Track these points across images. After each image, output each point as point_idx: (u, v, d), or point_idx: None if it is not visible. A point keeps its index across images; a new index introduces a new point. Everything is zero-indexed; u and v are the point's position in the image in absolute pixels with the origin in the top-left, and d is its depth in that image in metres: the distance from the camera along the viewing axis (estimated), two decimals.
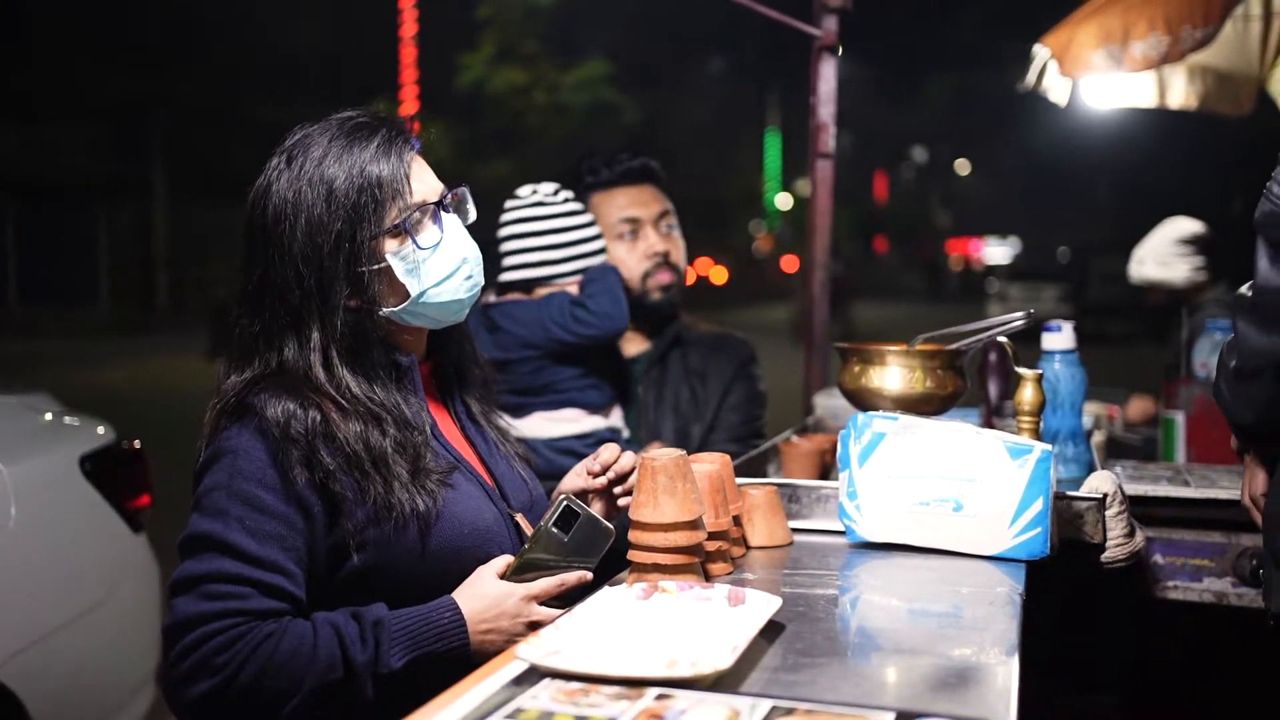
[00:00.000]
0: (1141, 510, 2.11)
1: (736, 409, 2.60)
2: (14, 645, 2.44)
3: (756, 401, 2.64)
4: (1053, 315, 2.33)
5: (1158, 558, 2.22)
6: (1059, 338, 2.39)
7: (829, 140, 2.91)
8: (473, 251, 1.67)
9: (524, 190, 2.47)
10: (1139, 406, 4.07)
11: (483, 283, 1.71)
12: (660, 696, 1.13)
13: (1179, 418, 3.28)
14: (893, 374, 2.01)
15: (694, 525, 1.55)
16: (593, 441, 2.35)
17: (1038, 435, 1.94)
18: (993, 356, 2.66)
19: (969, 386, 2.06)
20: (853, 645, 1.43)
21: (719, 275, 35.11)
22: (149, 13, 21.26)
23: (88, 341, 19.95)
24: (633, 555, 1.57)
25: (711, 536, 1.65)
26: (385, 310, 1.61)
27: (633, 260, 2.53)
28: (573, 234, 2.41)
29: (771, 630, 1.39)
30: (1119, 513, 1.80)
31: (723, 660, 1.19)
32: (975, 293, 38.47)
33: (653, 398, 2.56)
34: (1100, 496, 1.81)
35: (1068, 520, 1.82)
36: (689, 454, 1.66)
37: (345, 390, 1.56)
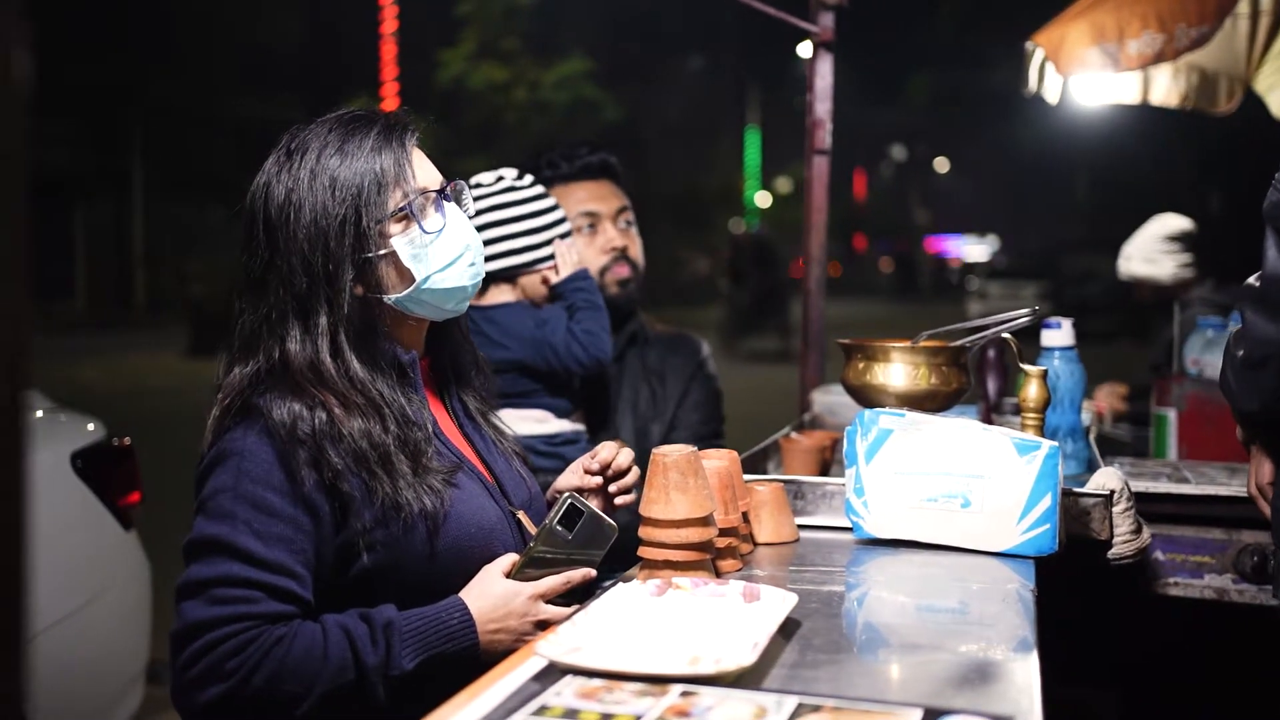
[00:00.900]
0: (1141, 507, 2.11)
1: (697, 408, 2.59)
2: None
3: (715, 399, 2.64)
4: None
5: (1158, 554, 2.23)
6: (1059, 334, 2.40)
7: (825, 136, 2.91)
8: (475, 239, 1.67)
9: (486, 177, 2.40)
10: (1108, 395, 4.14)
11: (484, 272, 1.70)
12: (684, 693, 1.13)
13: (1171, 415, 3.30)
14: (897, 370, 2.01)
15: (706, 522, 1.55)
16: (559, 442, 2.34)
17: (1042, 431, 1.94)
18: (991, 353, 2.66)
19: (972, 383, 2.06)
20: (869, 641, 1.42)
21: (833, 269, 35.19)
22: (127, 8, 21.09)
23: (64, 338, 19.79)
24: (644, 552, 1.57)
25: (721, 533, 1.65)
26: (390, 297, 1.60)
27: (590, 255, 2.50)
28: (548, 216, 2.37)
29: (787, 627, 1.38)
30: (1126, 509, 1.80)
31: (745, 657, 1.18)
32: (947, 290, 38.61)
33: (612, 396, 2.54)
34: (1107, 493, 1.81)
35: (1074, 517, 1.82)
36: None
37: (351, 378, 1.54)
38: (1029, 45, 3.94)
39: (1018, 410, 2.71)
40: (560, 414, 2.37)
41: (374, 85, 19.13)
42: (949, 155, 47.35)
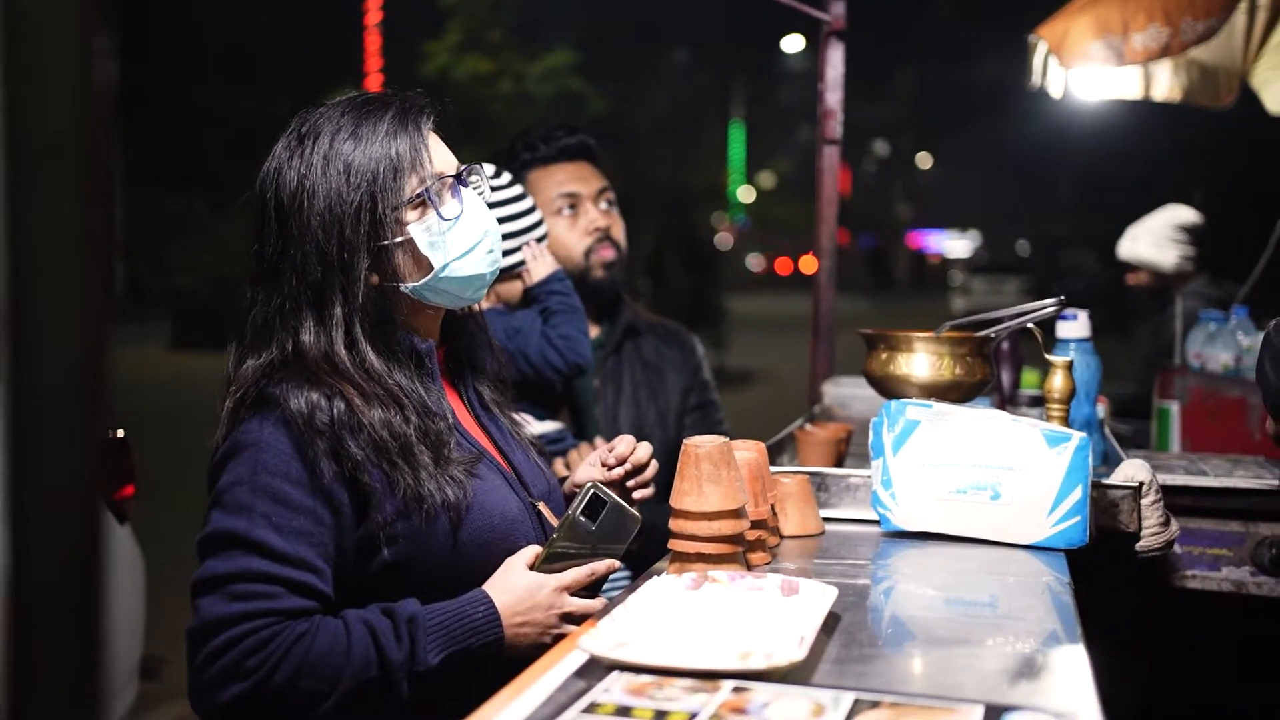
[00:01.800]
0: None
1: (704, 414, 2.54)
2: None
3: (717, 405, 2.60)
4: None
5: (1176, 547, 2.22)
6: (1075, 326, 2.39)
7: (836, 126, 2.88)
8: (493, 225, 1.63)
9: None
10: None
11: (501, 260, 1.67)
12: (737, 689, 1.10)
13: (1174, 408, 3.29)
14: (920, 361, 1.99)
15: (738, 514, 1.52)
16: (544, 443, 2.28)
17: (1067, 423, 1.92)
18: (1005, 344, 2.65)
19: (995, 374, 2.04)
20: (909, 636, 1.40)
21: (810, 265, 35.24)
22: None
23: None
24: (675, 544, 1.54)
25: (751, 525, 1.62)
26: (407, 286, 1.56)
27: (573, 237, 2.44)
28: (525, 220, 2.30)
29: (827, 621, 1.35)
30: (1155, 501, 1.79)
31: (796, 652, 1.16)
32: (924, 286, 38.65)
33: (611, 391, 2.48)
34: (1136, 485, 1.79)
35: (1102, 509, 1.81)
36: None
37: (368, 370, 1.50)
38: (1032, 38, 3.94)
39: (1033, 402, 2.70)
40: (544, 415, 2.32)
41: (358, 77, 19.03)
42: (933, 150, 47.46)
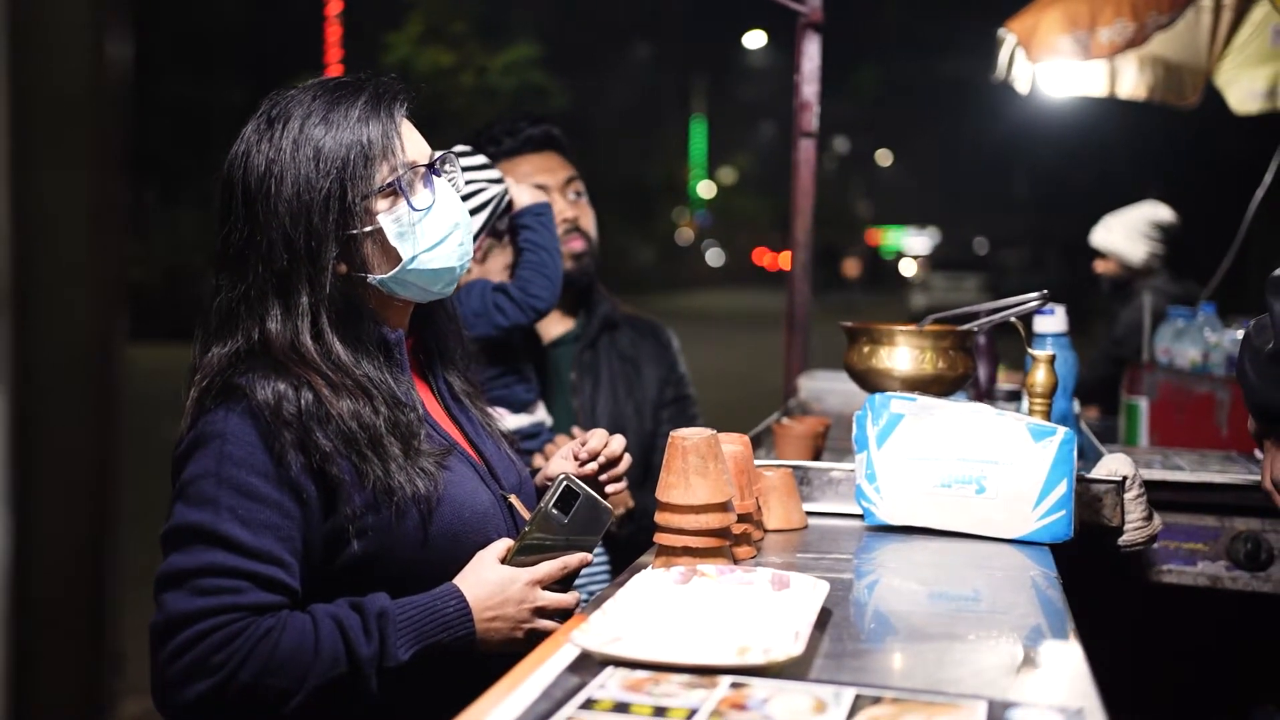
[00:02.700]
0: None
1: (680, 408, 2.52)
2: None
3: (693, 399, 2.58)
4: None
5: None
6: (1052, 321, 2.39)
7: (813, 119, 2.87)
8: (464, 217, 1.59)
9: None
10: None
11: (471, 253, 1.63)
12: (735, 685, 1.08)
13: (1142, 403, 3.32)
14: (902, 354, 1.98)
15: (725, 507, 1.50)
16: (520, 438, 2.23)
17: (1049, 417, 1.92)
18: (982, 339, 2.64)
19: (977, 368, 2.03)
20: (898, 631, 1.39)
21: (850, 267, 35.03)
22: None
23: None
24: (660, 538, 1.52)
25: (738, 519, 1.60)
26: (375, 277, 1.52)
27: None
28: (493, 190, 2.23)
29: (819, 615, 1.34)
30: (1138, 495, 1.78)
31: (793, 647, 1.14)
32: (881, 283, 38.82)
33: (589, 383, 2.45)
34: (1120, 479, 1.79)
35: (1086, 504, 1.80)
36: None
37: (334, 360, 1.46)
38: (1002, 32, 3.94)
39: (1010, 397, 2.70)
40: (519, 407, 2.29)
41: (318, 68, 18.84)
42: (892, 148, 47.75)
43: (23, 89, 0.50)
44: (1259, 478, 1.87)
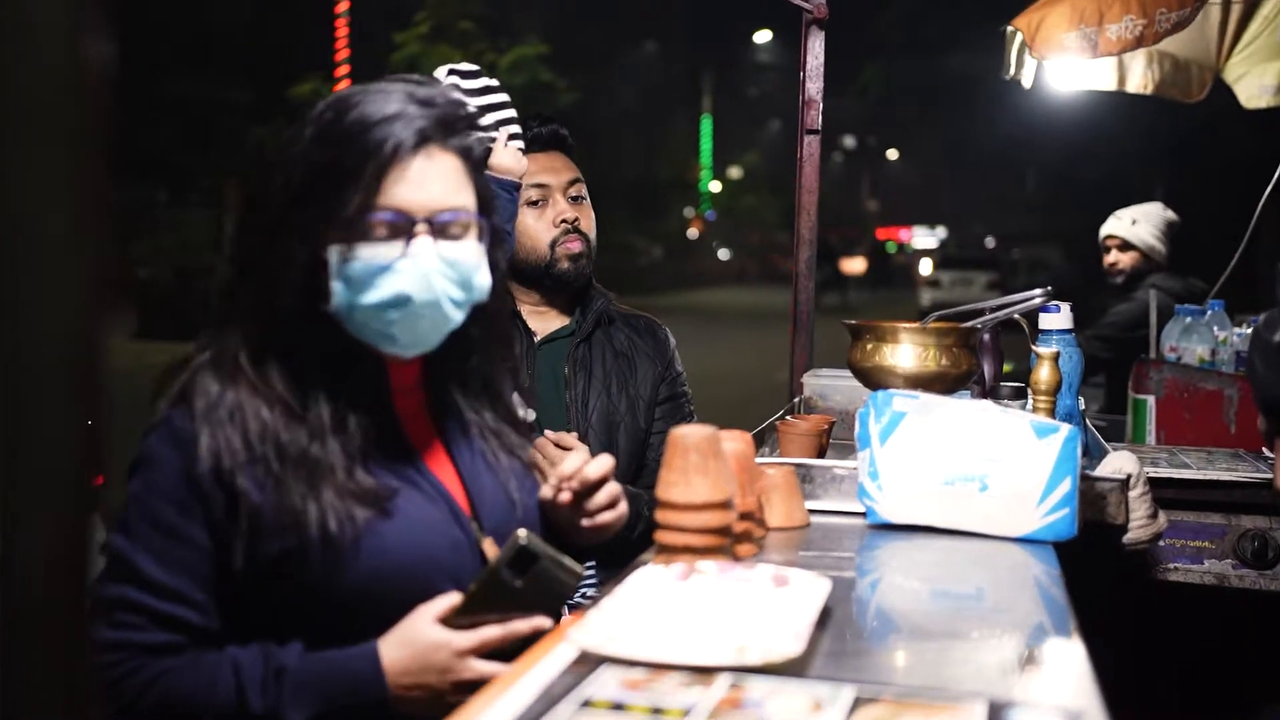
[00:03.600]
0: None
1: (675, 407, 2.51)
2: None
3: (688, 398, 2.56)
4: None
5: (1159, 540, 2.21)
6: (1057, 318, 2.37)
7: (817, 116, 2.86)
8: (424, 295, 1.36)
9: (439, 72, 2.17)
10: None
11: (435, 340, 1.43)
12: (734, 684, 1.07)
13: (1150, 400, 3.30)
14: (905, 351, 1.97)
15: (726, 505, 1.49)
16: None
17: (1053, 414, 1.91)
18: (986, 336, 2.63)
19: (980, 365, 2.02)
20: (900, 629, 1.38)
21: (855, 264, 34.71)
22: None
23: None
24: (660, 536, 1.50)
25: (739, 518, 1.59)
26: (333, 308, 1.37)
27: (541, 227, 2.39)
28: (500, 113, 2.20)
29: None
30: (1143, 493, 1.77)
31: (792, 646, 1.13)
32: (888, 281, 38.64)
33: (581, 378, 2.44)
34: (1124, 477, 1.78)
35: (1090, 501, 1.79)
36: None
37: (277, 385, 1.38)
38: (1008, 29, 3.92)
39: (1015, 395, 2.69)
40: None
41: (328, 67, 18.85)
42: (900, 146, 47.67)
43: (4, 89, 0.50)
44: (1267, 475, 1.85)
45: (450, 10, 18.67)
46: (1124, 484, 1.78)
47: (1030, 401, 1.95)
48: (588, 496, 1.50)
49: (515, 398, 1.60)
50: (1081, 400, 2.56)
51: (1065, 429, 1.70)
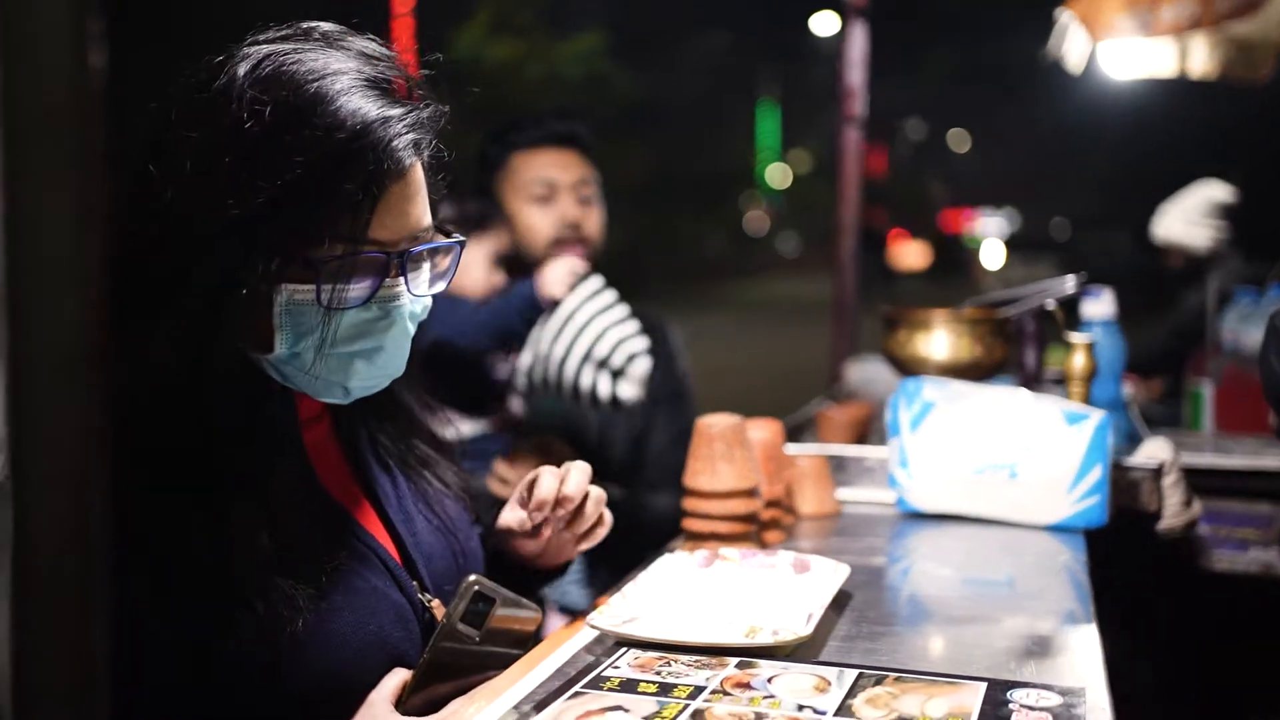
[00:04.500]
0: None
1: (676, 404, 2.50)
2: None
3: (690, 395, 2.54)
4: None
5: (1203, 528, 2.19)
6: (1100, 305, 2.36)
7: (858, 105, 2.86)
8: (398, 341, 1.13)
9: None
10: None
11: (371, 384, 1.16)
12: (742, 665, 1.10)
13: (1206, 388, 3.25)
14: (940, 340, 1.98)
15: (751, 493, 1.52)
16: (466, 444, 2.14)
17: (1088, 401, 1.91)
18: (1030, 324, 2.62)
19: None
20: (921, 614, 1.40)
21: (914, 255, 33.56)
22: None
23: None
24: (688, 524, 1.54)
25: (766, 505, 1.62)
26: (256, 354, 1.10)
27: (543, 225, 2.37)
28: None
29: (838, 598, 1.35)
30: (1176, 481, 1.77)
31: (802, 628, 1.16)
32: (952, 271, 37.87)
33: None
34: (1157, 464, 1.77)
35: (1122, 489, 1.79)
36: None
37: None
38: (1061, 12, 3.88)
39: (1057, 381, 2.68)
40: (471, 415, 2.27)
41: None
42: (968, 129, 46.97)
43: (8, 98, 0.53)
44: None
45: (509, 3, 18.79)
46: (1157, 471, 1.77)
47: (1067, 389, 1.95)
48: (576, 517, 1.29)
49: (434, 417, 1.35)
50: (1129, 385, 2.54)
51: (1096, 415, 1.70)
